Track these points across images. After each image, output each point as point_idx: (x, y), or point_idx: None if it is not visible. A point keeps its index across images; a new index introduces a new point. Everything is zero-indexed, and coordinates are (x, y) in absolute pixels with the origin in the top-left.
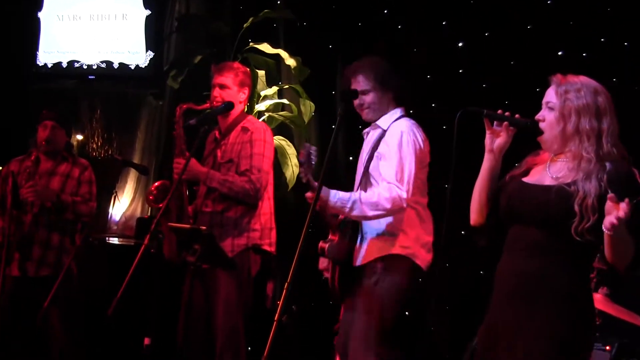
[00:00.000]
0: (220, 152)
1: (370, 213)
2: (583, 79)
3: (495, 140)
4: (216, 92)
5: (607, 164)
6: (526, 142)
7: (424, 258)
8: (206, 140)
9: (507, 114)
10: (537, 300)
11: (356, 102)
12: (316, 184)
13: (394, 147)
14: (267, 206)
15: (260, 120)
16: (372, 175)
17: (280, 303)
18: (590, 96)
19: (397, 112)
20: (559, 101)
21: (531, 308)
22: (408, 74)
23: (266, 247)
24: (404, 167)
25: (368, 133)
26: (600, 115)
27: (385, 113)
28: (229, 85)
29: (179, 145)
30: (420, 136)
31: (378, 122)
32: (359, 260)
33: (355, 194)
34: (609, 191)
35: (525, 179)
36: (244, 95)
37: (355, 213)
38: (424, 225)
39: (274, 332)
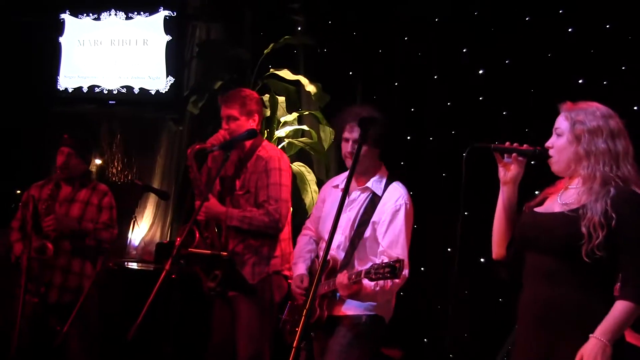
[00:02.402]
0: (239, 182)
1: (383, 298)
2: (594, 104)
3: (508, 172)
4: (225, 124)
5: (612, 189)
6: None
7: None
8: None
9: (515, 145)
10: (562, 331)
11: (347, 149)
12: None
13: (399, 222)
14: (286, 232)
15: (280, 146)
16: (366, 244)
17: (299, 329)
18: (602, 119)
19: (384, 173)
20: (568, 125)
21: (557, 338)
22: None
23: (286, 272)
24: (408, 243)
25: (348, 191)
26: (614, 136)
27: (369, 169)
28: (236, 116)
29: (198, 187)
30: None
31: (369, 185)
32: (345, 310)
33: (378, 285)
34: (613, 214)
35: (537, 209)
36: (253, 122)
37: (374, 300)
38: None
39: (292, 358)
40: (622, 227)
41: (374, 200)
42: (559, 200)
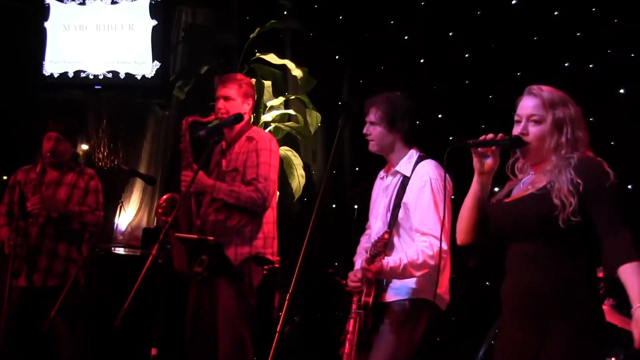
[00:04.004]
0: (225, 161)
1: (419, 273)
2: (556, 89)
3: (485, 163)
4: (220, 104)
5: (572, 160)
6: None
7: (444, 300)
8: (213, 152)
9: (490, 136)
10: (549, 322)
11: (365, 130)
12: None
13: (426, 198)
14: (270, 215)
15: (267, 130)
16: (402, 225)
17: (282, 314)
18: (573, 107)
19: (413, 154)
20: (549, 114)
21: (544, 330)
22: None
23: (269, 257)
24: (439, 217)
25: (383, 177)
26: (583, 125)
27: (392, 152)
28: (232, 97)
29: (186, 158)
30: (444, 177)
31: (398, 169)
32: (388, 297)
33: (404, 260)
34: (579, 180)
35: (506, 200)
36: (248, 106)
37: (406, 277)
38: (446, 271)
39: (276, 343)
40: (589, 191)
41: (404, 182)
42: (522, 187)
